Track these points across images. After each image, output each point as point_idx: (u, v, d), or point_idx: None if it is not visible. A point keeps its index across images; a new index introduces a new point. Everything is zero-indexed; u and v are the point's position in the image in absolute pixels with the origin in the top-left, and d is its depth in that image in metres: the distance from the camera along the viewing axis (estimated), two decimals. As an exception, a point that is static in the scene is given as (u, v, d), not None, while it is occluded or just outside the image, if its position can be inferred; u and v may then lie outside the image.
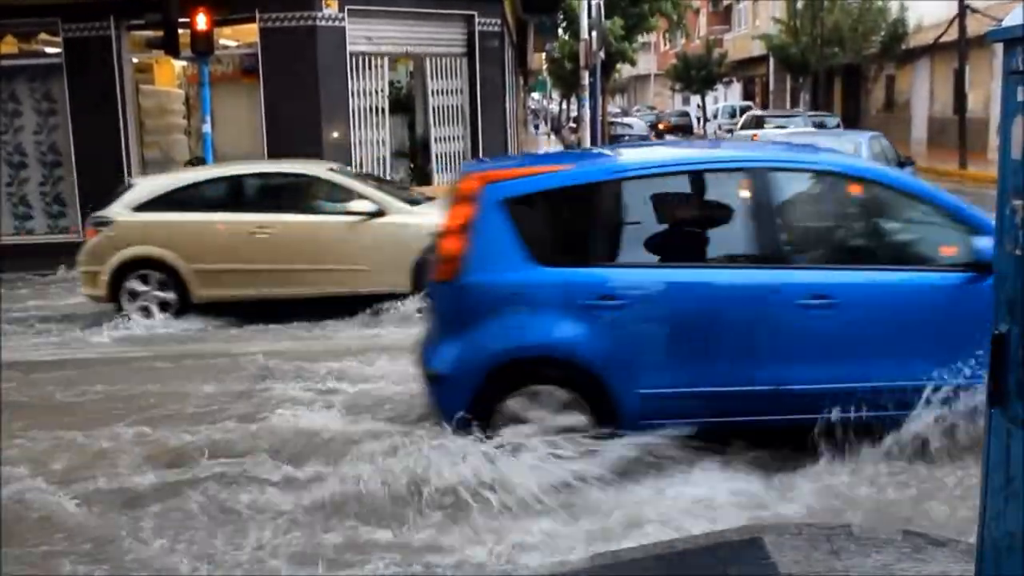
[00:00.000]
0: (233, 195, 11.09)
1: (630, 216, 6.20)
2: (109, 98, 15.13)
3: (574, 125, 39.41)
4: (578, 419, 5.60)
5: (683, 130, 54.91)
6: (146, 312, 10.52)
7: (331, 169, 11.51)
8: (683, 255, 6.09)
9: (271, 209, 10.80)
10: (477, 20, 16.77)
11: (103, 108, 15.12)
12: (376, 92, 15.99)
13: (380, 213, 10.61)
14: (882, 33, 37.13)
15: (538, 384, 5.69)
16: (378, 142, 16.11)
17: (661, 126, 43.28)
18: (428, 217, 9.47)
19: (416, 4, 16.04)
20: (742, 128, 30.96)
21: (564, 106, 62.11)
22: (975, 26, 25.71)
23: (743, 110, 46.00)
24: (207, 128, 14.39)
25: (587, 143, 21.63)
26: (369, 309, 10.26)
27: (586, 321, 5.59)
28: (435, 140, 17.03)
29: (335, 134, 15.21)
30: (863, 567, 4.11)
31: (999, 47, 2.93)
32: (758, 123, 30.16)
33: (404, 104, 17.69)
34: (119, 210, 10.76)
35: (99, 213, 10.85)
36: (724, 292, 5.74)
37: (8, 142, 15.74)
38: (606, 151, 9.34)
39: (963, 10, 26.52)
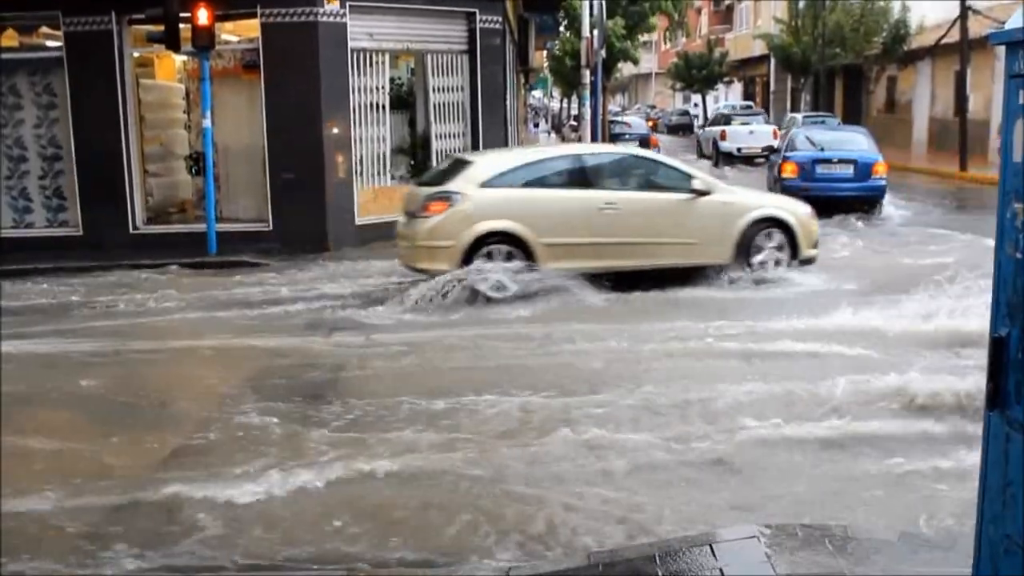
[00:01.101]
0: (577, 173, 11.69)
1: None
2: (110, 92, 15.11)
3: (575, 123, 39.38)
4: None
5: (684, 129, 55.03)
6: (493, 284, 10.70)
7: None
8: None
9: (616, 187, 11.71)
10: (479, 17, 16.77)
11: (104, 102, 15.10)
12: (377, 88, 15.98)
13: (707, 192, 11.63)
14: (884, 34, 37.12)
15: None
16: (378, 139, 16.11)
17: (649, 123, 43.56)
18: (744, 197, 12.18)
19: (418, 1, 16.04)
20: (712, 125, 36.62)
21: (564, 104, 62.07)
22: (977, 28, 25.71)
23: (744, 110, 46.07)
24: (207, 123, 14.39)
25: (587, 141, 21.63)
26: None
27: None
28: (436, 137, 17.03)
29: (335, 130, 15.20)
30: (860, 568, 4.11)
31: (1001, 49, 2.93)
32: (726, 120, 35.31)
33: (405, 101, 17.68)
34: (465, 186, 11.11)
35: (444, 189, 11.12)
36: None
37: (8, 135, 15.72)
38: None
39: (965, 12, 26.52)
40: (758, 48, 48.71)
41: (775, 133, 30.25)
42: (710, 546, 4.45)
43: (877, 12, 37.43)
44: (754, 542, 4.39)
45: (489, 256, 10.85)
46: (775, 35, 43.11)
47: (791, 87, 46.74)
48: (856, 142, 19.40)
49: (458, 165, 11.86)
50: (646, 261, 11.36)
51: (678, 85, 59.41)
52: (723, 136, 32.59)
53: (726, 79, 57.05)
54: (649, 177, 11.99)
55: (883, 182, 18.37)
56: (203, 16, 13.55)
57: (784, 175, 18.46)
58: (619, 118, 35.85)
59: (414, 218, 11.26)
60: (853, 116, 39.57)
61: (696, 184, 11.63)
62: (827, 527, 4.53)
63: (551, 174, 11.64)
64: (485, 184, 11.17)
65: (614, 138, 29.45)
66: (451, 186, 11.15)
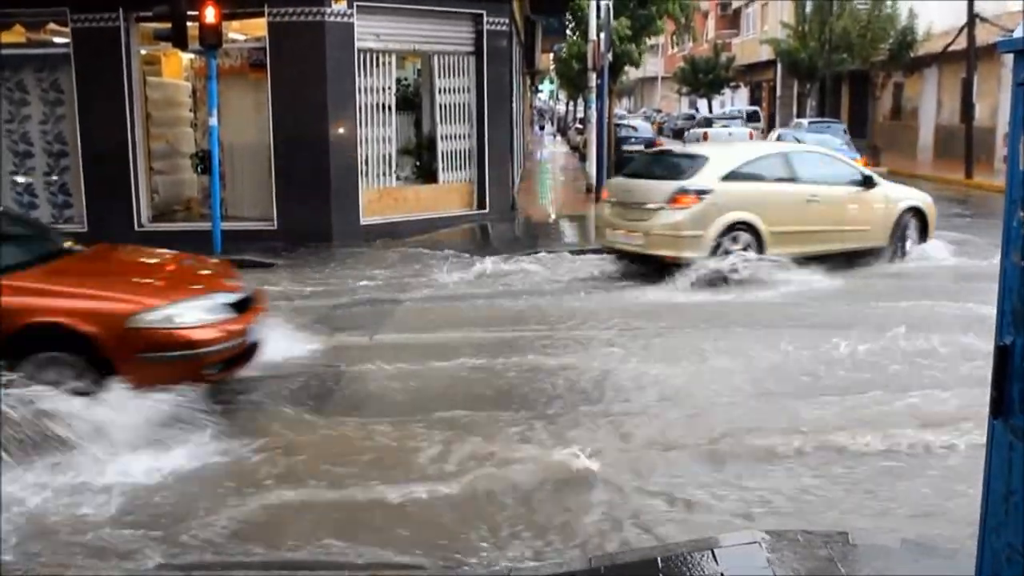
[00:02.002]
0: (786, 169, 13.02)
1: None
2: (116, 90, 15.14)
3: (580, 126, 39.37)
4: None
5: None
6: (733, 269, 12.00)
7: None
8: None
9: (814, 180, 13.00)
10: (486, 19, 16.79)
11: (110, 99, 15.12)
12: (383, 89, 15.99)
13: (875, 184, 13.48)
14: (891, 40, 37.05)
15: None
16: (384, 139, 16.11)
17: (654, 127, 44.32)
18: (895, 189, 13.91)
19: (425, 2, 16.05)
20: (695, 127, 39.27)
21: (570, 107, 62.07)
22: (984, 35, 25.69)
23: (750, 115, 46.03)
24: (214, 121, 14.38)
25: (593, 145, 21.63)
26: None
27: None
28: (441, 138, 17.03)
29: (341, 130, 15.21)
30: (861, 575, 4.11)
31: (1008, 57, 2.93)
32: (708, 123, 39.33)
33: (411, 102, 17.69)
34: (709, 180, 12.24)
35: (691, 183, 12.17)
36: None
37: (14, 131, 15.74)
38: None
39: (972, 19, 26.49)
40: (765, 53, 48.60)
41: (751, 135, 33.02)
42: (712, 551, 4.44)
43: (884, 18, 37.37)
44: (755, 548, 4.39)
45: (732, 243, 12.12)
46: (782, 40, 43.06)
47: (797, 92, 46.63)
48: (833, 143, 21.78)
49: (684, 159, 13.31)
50: (837, 245, 12.92)
51: (684, 89, 59.37)
52: (704, 137, 34.79)
53: (732, 84, 56.98)
54: (834, 172, 13.51)
55: None
56: (210, 15, 13.54)
57: None
58: (625, 121, 35.86)
59: (652, 210, 12.30)
60: (859, 122, 39.54)
61: (866, 178, 13.54)
62: (828, 534, 4.52)
63: (767, 169, 12.96)
64: (724, 178, 12.36)
65: (620, 142, 29.45)
66: (698, 181, 12.22)
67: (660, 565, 4.33)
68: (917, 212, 13.84)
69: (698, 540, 4.68)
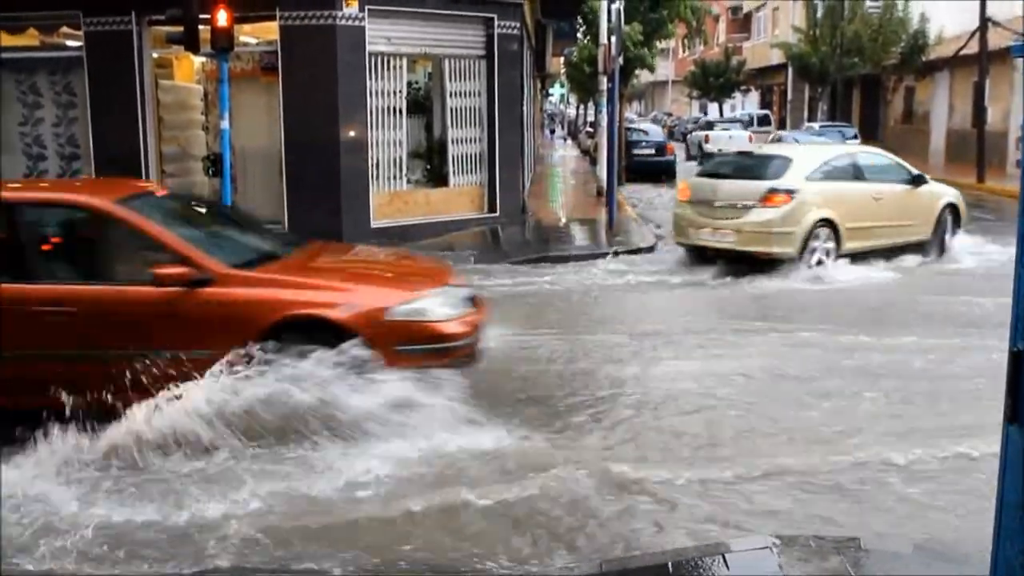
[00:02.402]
0: (854, 170, 14.00)
1: None
2: (129, 92, 15.20)
3: (591, 130, 39.36)
4: None
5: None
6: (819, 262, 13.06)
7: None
8: None
9: (876, 180, 14.04)
10: (496, 23, 16.80)
11: (122, 102, 15.19)
12: (394, 92, 16.01)
13: (924, 182, 14.57)
14: (902, 44, 37.02)
15: None
16: (395, 142, 16.13)
17: (665, 130, 44.71)
18: (936, 186, 14.94)
19: (436, 6, 16.07)
20: (698, 130, 42.36)
21: (581, 111, 62.05)
22: (996, 39, 25.58)
23: (761, 119, 45.96)
24: (225, 124, 14.40)
25: (604, 148, 21.61)
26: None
27: None
28: (452, 142, 17.05)
29: (352, 133, 15.24)
30: (873, 581, 4.09)
31: (1020, 61, 2.93)
32: (709, 127, 41.85)
33: (422, 105, 17.70)
34: (797, 180, 13.16)
35: (782, 183, 13.05)
36: None
37: (28, 134, 15.83)
38: None
39: (984, 23, 26.39)
40: (776, 57, 48.55)
41: (750, 138, 34.90)
42: (723, 556, 4.43)
43: (896, 22, 37.33)
44: (767, 553, 4.38)
45: (816, 239, 13.05)
46: (793, 44, 42.98)
47: (808, 96, 46.57)
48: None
49: (767, 160, 14.21)
50: (895, 239, 13.91)
51: (695, 93, 59.31)
52: (706, 139, 37.49)
53: (743, 87, 56.91)
54: (891, 171, 14.49)
55: None
56: (222, 18, 13.56)
57: None
58: (636, 125, 35.88)
59: (744, 208, 13.10)
60: (870, 126, 39.47)
61: (917, 176, 14.47)
62: (840, 539, 4.51)
63: (839, 169, 13.83)
64: (808, 178, 13.29)
65: (630, 145, 29.42)
66: (787, 181, 13.12)
67: (671, 570, 4.32)
68: (953, 207, 14.86)
69: (708, 545, 4.67)
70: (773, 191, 12.95)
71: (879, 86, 40.38)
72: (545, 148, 47.67)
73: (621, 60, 20.51)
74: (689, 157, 38.34)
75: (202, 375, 6.26)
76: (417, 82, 17.80)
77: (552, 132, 65.63)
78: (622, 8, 19.66)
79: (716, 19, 62.21)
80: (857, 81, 41.34)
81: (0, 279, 6.72)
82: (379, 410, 6.25)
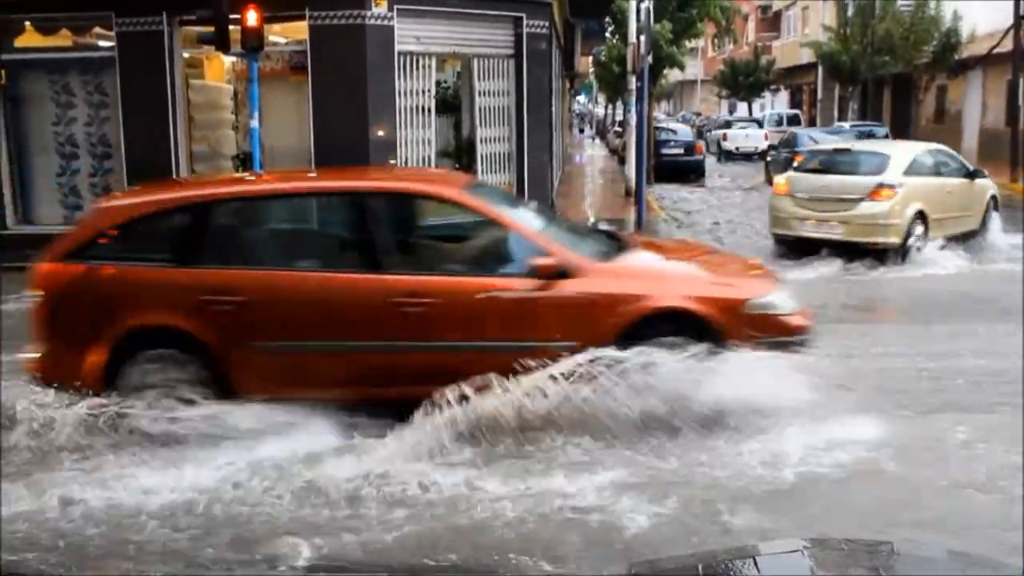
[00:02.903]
0: (931, 166, 15.30)
1: None
2: (160, 92, 15.29)
3: (619, 129, 39.27)
4: None
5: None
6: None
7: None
8: None
9: (947, 174, 15.41)
10: (525, 22, 16.77)
11: (153, 102, 15.29)
12: (423, 92, 16.03)
13: (980, 176, 15.87)
14: (934, 42, 36.65)
15: None
16: (424, 141, 16.15)
17: (694, 130, 44.78)
18: (983, 180, 15.99)
19: (465, 5, 16.07)
20: (716, 129, 45.29)
21: (609, 110, 61.94)
22: (1030, 37, 25.30)
23: (790, 119, 45.70)
24: (255, 124, 14.49)
25: (632, 148, 21.54)
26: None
27: None
28: (481, 141, 17.04)
29: (381, 132, 15.26)
30: (906, 584, 4.04)
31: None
32: (727, 125, 44.58)
33: (450, 104, 17.71)
34: (897, 175, 14.39)
35: (887, 178, 14.28)
36: None
37: (61, 133, 15.97)
38: None
39: (1018, 21, 26.11)
40: (805, 56, 48.23)
41: (765, 136, 38.16)
42: (753, 559, 4.39)
43: (928, 20, 36.96)
44: (798, 556, 4.32)
45: (914, 229, 14.12)
46: (823, 43, 42.69)
47: (839, 96, 46.23)
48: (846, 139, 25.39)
49: (866, 156, 15.40)
50: (960, 228, 15.05)
51: (724, 92, 59.07)
52: (725, 137, 40.23)
53: (772, 87, 56.62)
54: (954, 166, 15.79)
55: None
56: (252, 18, 13.64)
57: (796, 162, 23.07)
58: (665, 124, 35.78)
59: (852, 201, 14.22)
60: (901, 126, 39.12)
61: (974, 171, 15.82)
62: (873, 543, 4.45)
63: (923, 165, 15.01)
64: (904, 173, 14.45)
65: (659, 145, 29.32)
66: (890, 176, 14.31)
67: (700, 572, 4.28)
68: (994, 198, 16.28)
69: (739, 548, 4.62)
70: (881, 185, 14.12)
71: (910, 85, 40.02)
72: (573, 148, 47.63)
73: (650, 59, 20.45)
74: (708, 154, 38.94)
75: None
76: (446, 81, 17.82)
77: (581, 131, 65.58)
78: (651, 7, 19.58)
79: (745, 18, 61.86)
80: (888, 80, 40.98)
81: (357, 271, 6.88)
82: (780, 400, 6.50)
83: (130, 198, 7.79)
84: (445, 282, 6.90)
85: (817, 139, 26.09)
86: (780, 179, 16.18)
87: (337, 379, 6.69)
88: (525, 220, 7.39)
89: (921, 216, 14.24)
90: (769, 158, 29.69)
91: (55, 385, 6.80)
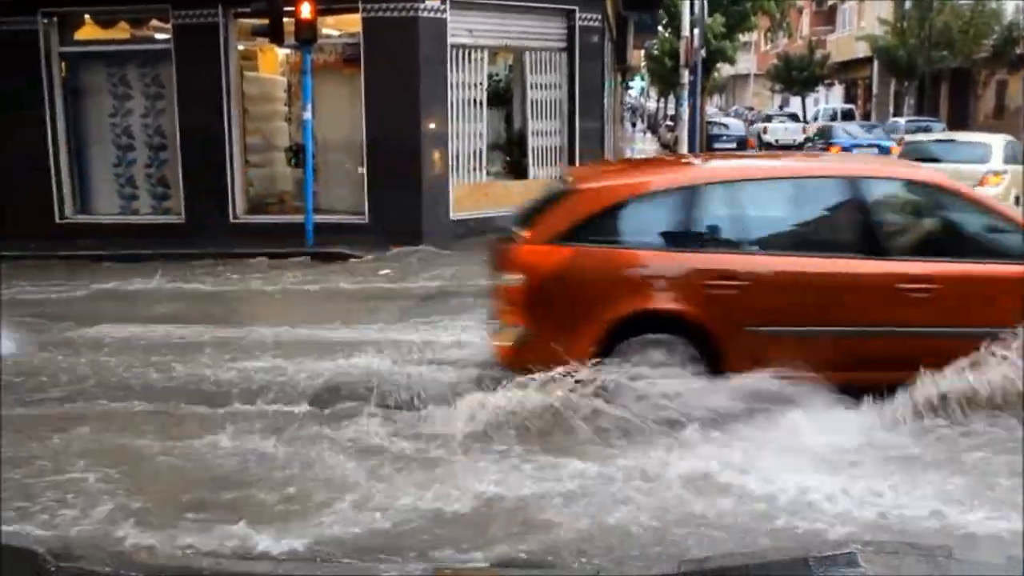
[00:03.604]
0: (1013, 153, 16.44)
1: None
2: (215, 84, 15.43)
3: (671, 123, 39.04)
4: None
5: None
6: None
7: None
8: None
9: (1017, 162, 16.37)
10: (578, 15, 16.71)
11: (208, 94, 15.43)
12: (475, 85, 16.03)
13: None
14: (994, 36, 35.99)
15: None
16: (475, 134, 16.15)
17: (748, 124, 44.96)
18: None
19: (518, -2, 16.06)
20: (759, 122, 46.38)
21: (661, 104, 61.58)
22: (1095, 32, 24.77)
23: (844, 114, 45.15)
24: (308, 115, 14.59)
25: (684, 142, 21.41)
26: None
27: None
28: (532, 134, 17.01)
29: (433, 125, 15.28)
30: (963, 591, 3.97)
31: None
32: (768, 119, 46.10)
33: (502, 97, 17.69)
34: (999, 163, 15.74)
35: (994, 166, 15.72)
36: None
37: (118, 124, 16.19)
38: None
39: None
40: (861, 50, 47.58)
41: (803, 130, 39.07)
42: (806, 561, 4.33)
43: (988, 14, 36.32)
44: (853, 559, 4.27)
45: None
46: (879, 36, 42.07)
47: (894, 91, 45.61)
48: (877, 134, 29.17)
49: (969, 146, 16.82)
50: None
51: (777, 87, 58.46)
52: (765, 131, 41.62)
53: (827, 82, 55.93)
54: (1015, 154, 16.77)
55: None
56: (306, 10, 13.75)
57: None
58: (716, 119, 35.57)
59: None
60: (959, 122, 38.46)
61: None
62: (930, 548, 4.37)
63: (1009, 155, 16.19)
64: (1004, 161, 15.86)
65: (711, 139, 29.12)
66: (995, 164, 15.68)
67: (752, 573, 4.24)
68: None
69: (791, 549, 4.57)
70: (993, 172, 15.53)
71: (969, 80, 39.36)
72: (625, 141, 47.41)
73: (703, 53, 20.31)
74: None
75: None
76: (498, 74, 17.80)
77: (632, 125, 65.24)
78: (705, 0, 19.43)
79: (800, 11, 61.15)
80: (946, 75, 40.32)
81: (860, 256, 6.90)
82: None
83: (607, 180, 7.67)
84: (951, 268, 6.86)
85: (852, 132, 28.68)
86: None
87: (829, 363, 6.53)
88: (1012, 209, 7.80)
89: (1016, 200, 15.44)
90: (807, 150, 30.82)
91: (532, 369, 6.50)
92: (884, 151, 26.00)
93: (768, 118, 47.13)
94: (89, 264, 13.63)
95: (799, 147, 35.50)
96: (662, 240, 6.98)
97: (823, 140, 28.35)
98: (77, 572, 2.44)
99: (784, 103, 63.24)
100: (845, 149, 26.12)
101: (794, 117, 47.16)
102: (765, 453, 5.90)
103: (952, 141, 18.02)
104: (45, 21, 15.78)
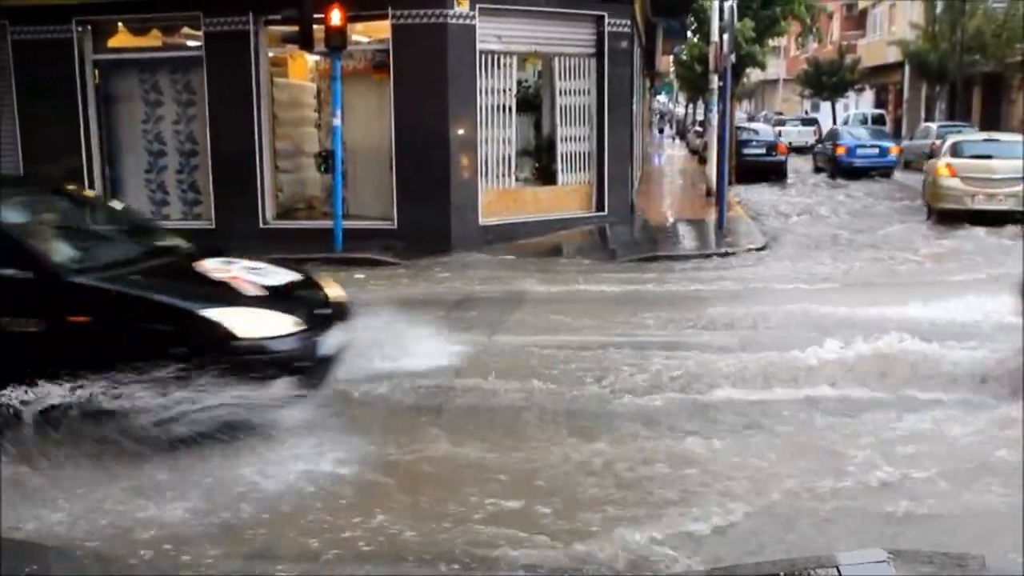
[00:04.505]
0: None
1: None
2: (245, 91, 15.55)
3: (700, 129, 38.89)
4: None
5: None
6: None
7: None
8: None
9: None
10: (607, 21, 16.70)
11: (239, 100, 15.55)
12: (504, 90, 16.05)
13: None
14: (1028, 41, 35.60)
15: None
16: (504, 140, 16.17)
17: (778, 131, 44.08)
18: None
19: (546, 4, 16.06)
20: (773, 126, 44.54)
21: (690, 109, 61.39)
22: None
23: (875, 119, 44.80)
24: (337, 121, 14.65)
25: (714, 147, 21.31)
26: None
27: None
28: (561, 140, 17.01)
29: (462, 131, 15.32)
30: (996, 600, 3.91)
31: None
32: (782, 123, 47.70)
33: (531, 103, 17.71)
34: None
35: None
36: None
37: (149, 131, 16.35)
38: None
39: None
40: (892, 55, 47.17)
41: (814, 132, 43.29)
42: (836, 568, 4.30)
43: (1021, 17, 35.91)
44: (883, 567, 4.23)
45: None
46: (911, 41, 41.71)
47: (925, 96, 45.18)
48: (880, 135, 33.25)
49: (1009, 145, 19.11)
50: None
51: (806, 92, 58.09)
52: (779, 134, 40.70)
53: (857, 86, 55.48)
54: None
55: (894, 158, 30.67)
56: (336, 17, 13.82)
57: (838, 152, 30.32)
58: (746, 124, 35.43)
59: (1016, 180, 17.49)
60: (991, 127, 37.85)
61: None
62: (962, 556, 4.32)
63: None
64: None
65: (740, 145, 28.96)
66: None
67: (782, 580, 4.21)
68: None
69: (820, 556, 4.52)
70: None
71: (1002, 85, 38.93)
72: (654, 147, 47.33)
73: (733, 58, 20.21)
74: None
75: None
76: (527, 80, 17.82)
77: (661, 131, 65.11)
78: (735, 5, 19.34)
79: (830, 16, 60.75)
80: (978, 79, 39.90)
81: None
82: None
83: None
84: None
85: (856, 135, 32.02)
86: (946, 163, 18.96)
87: None
88: None
89: None
90: (816, 150, 34.93)
91: None
92: (884, 151, 30.48)
93: (781, 122, 48.86)
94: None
95: (810, 148, 38.86)
96: None
97: (831, 141, 31.91)
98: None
99: (814, 108, 62.89)
100: (850, 149, 30.19)
101: (807, 121, 49.28)
102: None
103: (997, 140, 20.18)
104: (79, 29, 15.97)
